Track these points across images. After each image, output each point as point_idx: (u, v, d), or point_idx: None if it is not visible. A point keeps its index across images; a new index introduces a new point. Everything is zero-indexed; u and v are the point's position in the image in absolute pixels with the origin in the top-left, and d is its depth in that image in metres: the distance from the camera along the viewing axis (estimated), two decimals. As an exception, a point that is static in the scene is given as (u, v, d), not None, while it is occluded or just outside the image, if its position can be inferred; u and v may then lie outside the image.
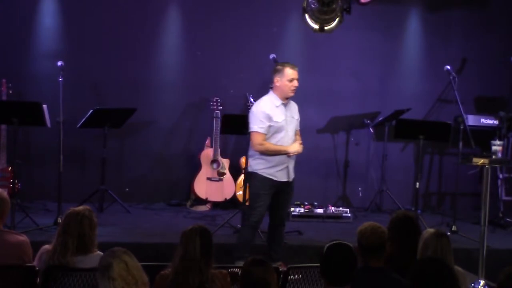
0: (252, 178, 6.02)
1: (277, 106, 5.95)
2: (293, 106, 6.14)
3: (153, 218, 7.63)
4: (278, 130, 5.94)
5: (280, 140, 5.96)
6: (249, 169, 6.05)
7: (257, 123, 5.90)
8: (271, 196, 5.97)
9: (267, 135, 5.92)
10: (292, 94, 6.01)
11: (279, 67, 6.04)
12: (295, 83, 5.98)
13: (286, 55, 8.36)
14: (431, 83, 8.90)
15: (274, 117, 5.91)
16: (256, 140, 5.91)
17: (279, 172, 5.96)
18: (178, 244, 3.89)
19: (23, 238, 4.43)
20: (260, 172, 5.94)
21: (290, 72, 5.96)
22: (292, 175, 6.05)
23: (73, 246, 4.12)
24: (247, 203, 6.21)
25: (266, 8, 8.56)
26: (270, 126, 5.90)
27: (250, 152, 6.05)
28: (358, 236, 3.96)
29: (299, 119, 6.16)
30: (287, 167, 5.99)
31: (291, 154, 5.98)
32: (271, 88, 6.07)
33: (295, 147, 5.99)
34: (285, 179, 6.00)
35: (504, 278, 3.36)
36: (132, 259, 3.48)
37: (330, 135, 8.70)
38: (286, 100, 6.01)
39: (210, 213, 7.94)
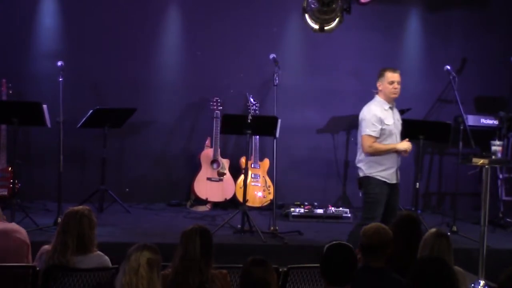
0: (369, 182, 6.08)
1: (385, 110, 6.12)
2: (396, 110, 6.30)
3: (153, 218, 7.62)
4: (389, 134, 6.08)
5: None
6: (362, 174, 6.12)
7: (369, 127, 6.04)
8: (387, 197, 6.09)
9: (379, 139, 6.05)
10: (395, 96, 6.16)
11: (381, 71, 6.20)
12: (396, 85, 6.13)
13: (286, 55, 8.41)
14: (431, 83, 8.89)
15: (386, 120, 6.08)
16: (366, 142, 6.04)
17: (390, 174, 6.11)
18: (178, 244, 3.89)
19: (23, 238, 4.43)
20: (375, 175, 6.05)
21: (390, 75, 6.14)
22: (399, 177, 6.19)
23: (73, 244, 4.11)
24: (364, 207, 6.16)
25: (266, 8, 8.55)
26: (382, 129, 6.04)
27: (360, 157, 6.14)
28: (361, 235, 3.98)
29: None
30: (396, 169, 6.14)
31: (401, 151, 6.11)
32: (376, 93, 6.21)
33: (405, 145, 6.13)
34: (395, 181, 6.15)
35: (505, 279, 3.35)
36: (149, 269, 3.47)
37: (330, 135, 8.70)
38: (392, 103, 6.17)
39: (210, 213, 7.93)
